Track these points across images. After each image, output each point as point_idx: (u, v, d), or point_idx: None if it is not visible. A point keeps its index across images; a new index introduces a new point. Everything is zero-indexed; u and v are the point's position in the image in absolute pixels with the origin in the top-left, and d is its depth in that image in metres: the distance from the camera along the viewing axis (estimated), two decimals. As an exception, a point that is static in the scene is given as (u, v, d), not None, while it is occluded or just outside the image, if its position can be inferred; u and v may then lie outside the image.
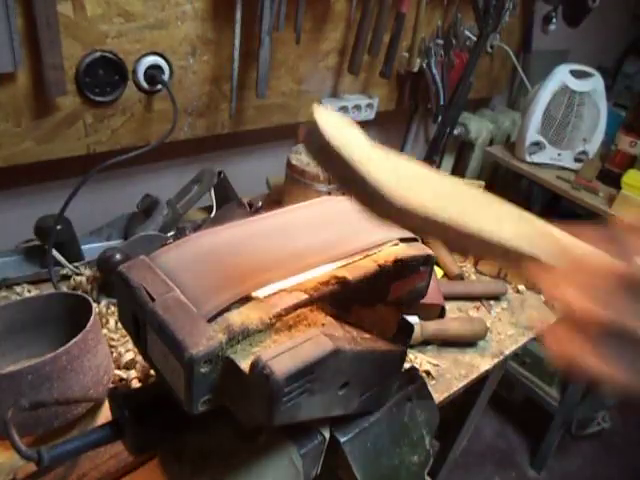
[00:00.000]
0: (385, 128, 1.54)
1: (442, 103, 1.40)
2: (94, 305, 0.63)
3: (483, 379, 0.85)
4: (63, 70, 0.81)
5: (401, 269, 0.42)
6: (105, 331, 0.74)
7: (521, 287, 1.07)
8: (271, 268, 0.37)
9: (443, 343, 0.86)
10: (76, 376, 0.58)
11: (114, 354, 0.71)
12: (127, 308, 0.36)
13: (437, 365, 0.82)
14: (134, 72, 0.91)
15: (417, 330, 0.82)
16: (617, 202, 1.34)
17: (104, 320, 0.77)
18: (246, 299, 0.35)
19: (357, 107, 1.30)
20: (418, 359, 0.82)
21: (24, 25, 0.76)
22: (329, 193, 0.99)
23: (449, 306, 0.93)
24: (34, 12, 0.74)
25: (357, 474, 0.41)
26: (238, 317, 0.33)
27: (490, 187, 1.51)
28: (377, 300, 0.41)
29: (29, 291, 0.83)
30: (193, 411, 0.32)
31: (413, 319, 0.84)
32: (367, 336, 0.37)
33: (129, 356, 0.70)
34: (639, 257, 0.34)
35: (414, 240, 0.44)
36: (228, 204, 1.04)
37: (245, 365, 0.31)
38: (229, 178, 1.06)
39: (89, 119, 0.90)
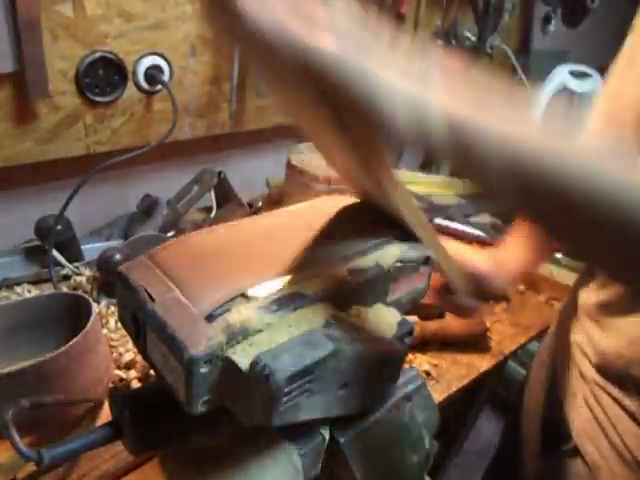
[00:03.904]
0: (385, 128, 1.54)
1: (442, 103, 1.40)
2: (94, 305, 0.63)
3: (483, 379, 0.85)
4: (46, 71, 0.80)
5: (401, 269, 0.42)
6: (105, 331, 0.74)
7: (521, 287, 1.07)
8: (269, 266, 0.37)
9: (443, 343, 0.86)
10: (76, 376, 0.58)
11: (114, 354, 0.71)
12: (127, 308, 0.36)
13: (437, 365, 0.82)
14: (134, 72, 0.91)
15: (417, 330, 0.82)
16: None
17: (104, 320, 0.77)
18: (246, 299, 0.35)
19: (357, 107, 1.30)
20: (418, 359, 0.82)
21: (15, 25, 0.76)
22: (329, 193, 0.99)
23: (449, 306, 0.93)
24: (17, 12, 0.73)
25: (357, 474, 0.41)
26: (238, 317, 0.33)
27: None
28: (377, 300, 0.42)
29: (29, 291, 0.83)
30: (193, 411, 0.32)
31: (413, 319, 0.84)
32: (367, 336, 0.37)
33: (129, 356, 0.70)
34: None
35: (414, 240, 0.44)
36: (228, 204, 1.04)
37: (245, 365, 0.31)
38: (229, 178, 1.06)
39: (89, 119, 0.90)
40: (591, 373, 0.65)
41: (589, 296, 0.67)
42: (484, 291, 0.59)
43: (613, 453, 0.61)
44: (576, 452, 0.66)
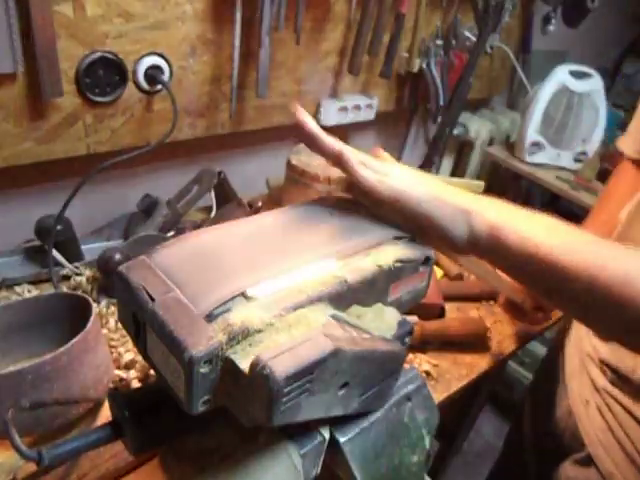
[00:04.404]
0: (385, 128, 1.55)
1: (442, 103, 1.40)
2: (94, 305, 0.63)
3: (483, 379, 0.85)
4: (59, 71, 0.81)
5: (401, 269, 0.42)
6: (105, 331, 0.74)
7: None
8: (270, 266, 0.37)
9: (443, 343, 0.86)
10: (76, 376, 0.58)
11: (114, 354, 0.71)
12: (127, 308, 0.36)
13: (437, 365, 0.82)
14: (134, 72, 0.91)
15: (417, 330, 0.82)
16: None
17: (104, 320, 0.77)
18: (246, 299, 0.35)
19: (357, 107, 1.30)
20: (418, 359, 0.82)
21: (22, 26, 0.76)
22: (329, 193, 0.99)
23: (449, 306, 0.93)
24: (30, 13, 0.74)
25: (357, 474, 0.41)
26: (238, 317, 0.33)
27: (490, 187, 1.51)
28: (377, 300, 0.41)
29: (29, 291, 0.83)
30: (193, 411, 0.32)
31: (413, 319, 0.84)
32: (367, 336, 0.37)
33: (129, 356, 0.70)
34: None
35: (413, 240, 0.44)
36: (228, 204, 1.04)
37: (245, 365, 0.31)
38: (229, 178, 1.06)
39: (89, 119, 0.90)
40: (603, 383, 0.65)
41: None
42: (538, 301, 0.73)
43: (627, 462, 0.61)
44: (589, 460, 0.66)
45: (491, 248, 0.41)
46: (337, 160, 0.43)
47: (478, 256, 0.43)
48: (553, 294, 0.43)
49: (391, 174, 0.43)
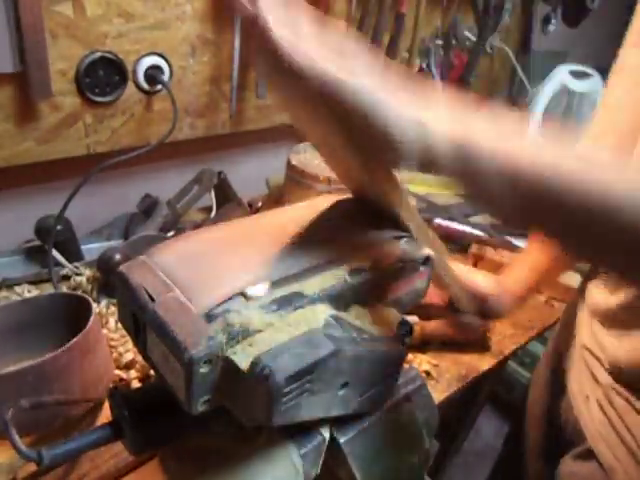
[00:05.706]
0: (385, 128, 1.54)
1: (442, 103, 1.40)
2: (94, 305, 0.63)
3: (483, 379, 0.85)
4: (48, 71, 0.80)
5: (401, 269, 0.42)
6: (105, 331, 0.74)
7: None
8: (269, 266, 0.37)
9: (443, 343, 0.86)
10: (76, 376, 0.58)
11: (114, 354, 0.71)
12: (127, 308, 0.36)
13: (437, 365, 0.82)
14: (134, 72, 0.91)
15: (417, 330, 0.82)
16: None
17: (104, 320, 0.77)
18: (246, 299, 0.35)
19: (357, 107, 1.30)
20: (418, 359, 0.82)
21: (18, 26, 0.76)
22: (329, 193, 0.99)
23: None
24: (19, 12, 0.73)
25: (357, 474, 0.41)
26: (238, 317, 0.33)
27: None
28: (377, 300, 0.42)
29: (29, 291, 0.83)
30: (193, 411, 0.32)
31: (413, 319, 0.84)
32: (367, 336, 0.37)
33: (129, 356, 0.70)
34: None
35: (414, 240, 0.44)
36: (228, 204, 1.04)
37: (245, 365, 0.31)
38: (229, 178, 1.06)
39: (89, 119, 0.90)
40: (605, 377, 0.65)
41: (599, 300, 0.66)
42: (485, 311, 0.64)
43: (629, 456, 0.61)
44: (590, 454, 0.66)
45: (454, 168, 0.32)
46: (250, 23, 0.30)
47: (438, 173, 0.33)
48: (554, 230, 0.34)
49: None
